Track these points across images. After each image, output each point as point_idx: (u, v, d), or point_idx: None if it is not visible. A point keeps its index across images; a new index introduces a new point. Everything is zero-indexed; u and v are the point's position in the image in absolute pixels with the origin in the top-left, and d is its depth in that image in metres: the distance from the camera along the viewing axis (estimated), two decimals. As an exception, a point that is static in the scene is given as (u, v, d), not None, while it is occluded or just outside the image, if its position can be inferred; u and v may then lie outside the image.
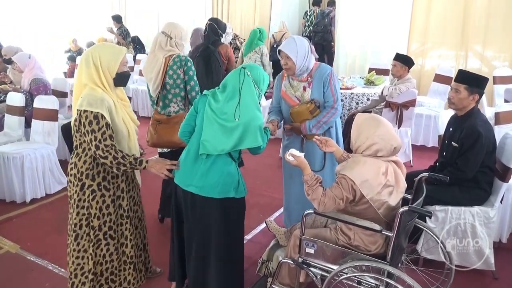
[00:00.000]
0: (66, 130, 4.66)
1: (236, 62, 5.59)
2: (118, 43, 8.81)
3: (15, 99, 4.39)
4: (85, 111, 2.11)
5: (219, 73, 4.00)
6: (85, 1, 10.77)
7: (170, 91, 3.05)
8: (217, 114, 2.17)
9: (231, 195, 2.19)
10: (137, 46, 9.41)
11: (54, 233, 3.43)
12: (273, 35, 7.85)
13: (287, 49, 2.66)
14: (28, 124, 4.47)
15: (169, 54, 3.03)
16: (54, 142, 4.25)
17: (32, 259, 3.07)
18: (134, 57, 8.69)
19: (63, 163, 4.60)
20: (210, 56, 3.99)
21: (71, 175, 2.27)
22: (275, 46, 7.35)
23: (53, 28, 10.45)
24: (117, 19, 8.88)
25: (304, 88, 2.75)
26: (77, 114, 2.15)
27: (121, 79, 2.27)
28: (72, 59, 8.66)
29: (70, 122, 4.81)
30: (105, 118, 2.13)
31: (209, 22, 4.35)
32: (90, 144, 2.14)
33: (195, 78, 3.08)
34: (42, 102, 4.29)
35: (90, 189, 2.24)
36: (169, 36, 3.05)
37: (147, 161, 2.23)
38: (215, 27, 4.30)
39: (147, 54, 9.25)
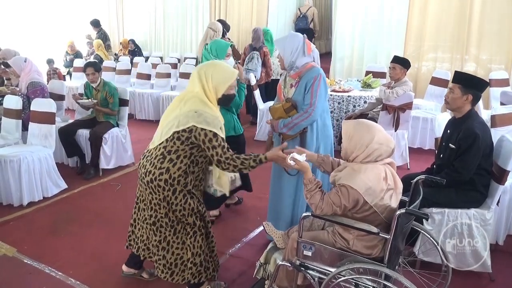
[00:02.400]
0: (63, 133, 4.66)
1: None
2: (109, 45, 8.96)
3: (12, 102, 4.39)
4: (202, 129, 2.21)
5: None
6: (83, 5, 10.78)
7: None
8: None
9: (231, 134, 3.20)
10: (136, 49, 9.43)
11: (51, 236, 3.42)
12: (299, 8, 9.49)
13: (277, 43, 2.78)
14: (25, 127, 4.46)
15: None
16: (51, 145, 4.24)
17: (29, 262, 3.05)
18: (131, 60, 8.70)
19: (60, 166, 4.60)
20: None
21: (160, 180, 2.27)
22: (300, 16, 9.38)
23: (52, 31, 10.45)
24: (95, 24, 9.10)
25: (291, 86, 2.77)
26: (192, 130, 2.22)
27: (225, 101, 2.42)
28: (51, 62, 8.49)
29: (67, 125, 4.87)
30: (221, 133, 2.26)
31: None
32: (211, 158, 2.27)
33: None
34: (39, 105, 4.29)
35: (181, 193, 2.32)
36: (215, 31, 4.49)
37: (265, 157, 2.31)
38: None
39: (144, 57, 9.34)
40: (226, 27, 5.56)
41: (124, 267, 2.77)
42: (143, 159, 2.41)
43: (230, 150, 2.29)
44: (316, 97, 2.65)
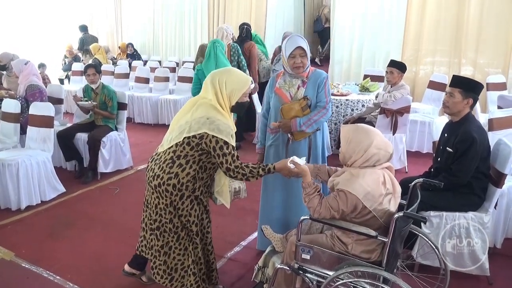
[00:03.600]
0: (61, 137, 4.66)
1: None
2: (87, 50, 9.19)
3: (11, 105, 4.39)
4: (214, 136, 2.20)
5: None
6: (81, 9, 10.81)
7: (232, 63, 5.11)
8: (206, 73, 3.82)
9: None
10: (134, 53, 9.45)
11: (49, 240, 3.42)
12: (318, 10, 9.85)
13: (302, 42, 2.69)
14: (23, 131, 4.46)
15: (228, 42, 5.23)
16: (49, 149, 4.23)
17: (27, 266, 3.05)
18: (130, 63, 8.72)
19: (59, 170, 4.60)
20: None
21: (168, 184, 2.26)
22: (315, 20, 9.60)
23: (51, 35, 10.49)
24: (82, 28, 9.60)
25: (298, 87, 2.78)
26: (203, 136, 2.21)
27: (239, 108, 2.40)
28: (42, 66, 8.43)
29: (65, 128, 4.86)
30: (232, 141, 2.26)
31: (245, 26, 5.93)
32: (220, 165, 2.26)
33: (242, 57, 5.26)
34: (38, 108, 4.28)
35: (189, 199, 2.32)
36: (228, 32, 5.16)
37: (274, 167, 2.34)
38: (249, 29, 6.03)
39: (143, 61, 9.37)
40: (250, 30, 5.97)
41: (126, 266, 2.76)
42: (151, 162, 2.40)
43: (239, 158, 2.30)
44: (330, 96, 2.80)
